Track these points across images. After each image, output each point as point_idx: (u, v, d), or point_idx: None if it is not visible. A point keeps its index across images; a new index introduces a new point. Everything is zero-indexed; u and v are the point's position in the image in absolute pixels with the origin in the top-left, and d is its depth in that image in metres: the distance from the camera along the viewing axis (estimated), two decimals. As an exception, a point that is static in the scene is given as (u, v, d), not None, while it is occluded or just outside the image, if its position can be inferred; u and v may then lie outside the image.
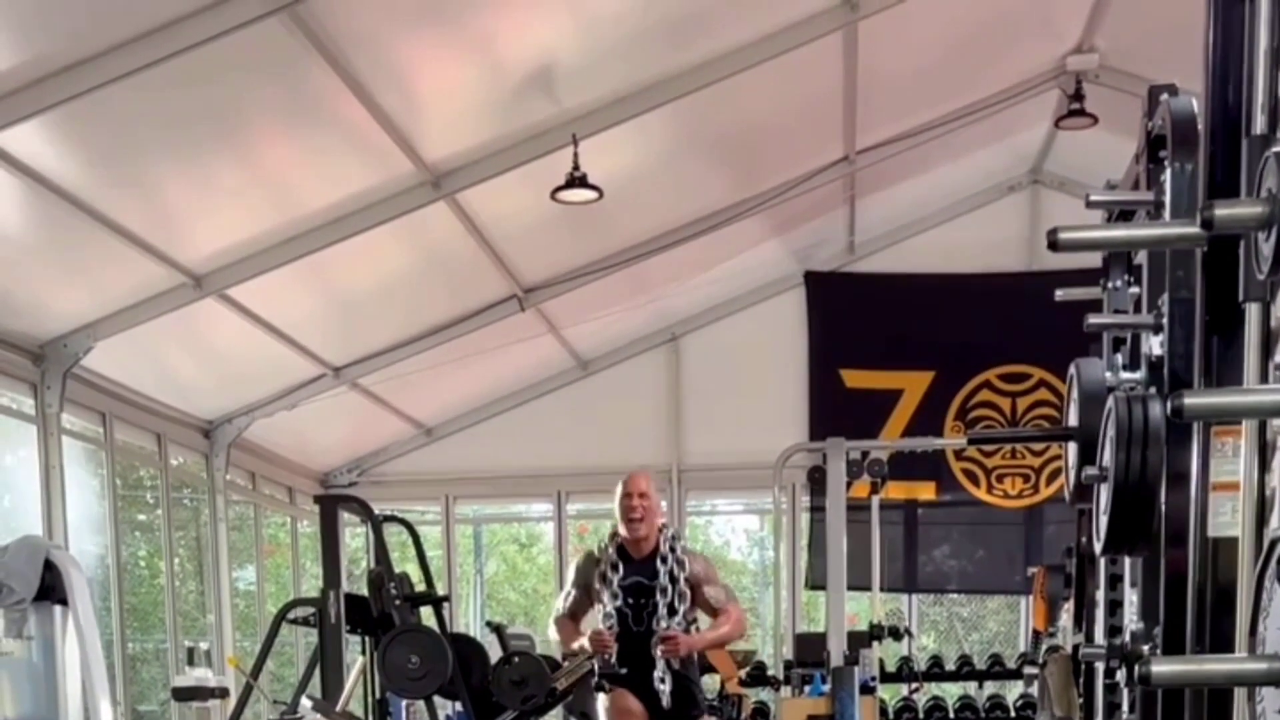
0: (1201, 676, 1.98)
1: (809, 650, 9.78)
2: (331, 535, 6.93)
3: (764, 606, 15.08)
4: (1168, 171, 2.85)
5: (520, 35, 7.59)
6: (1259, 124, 2.11)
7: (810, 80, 9.22)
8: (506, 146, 8.39)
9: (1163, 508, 2.74)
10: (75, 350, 8.56)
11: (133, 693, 10.68)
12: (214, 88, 6.86)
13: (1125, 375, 3.27)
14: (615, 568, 6.77)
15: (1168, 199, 2.85)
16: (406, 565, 7.54)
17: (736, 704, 9.79)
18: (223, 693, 8.58)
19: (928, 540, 13.09)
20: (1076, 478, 3.34)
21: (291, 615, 7.03)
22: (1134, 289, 3.44)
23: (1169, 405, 1.88)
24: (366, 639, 7.01)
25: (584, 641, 6.78)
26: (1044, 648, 7.23)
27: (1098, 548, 3.14)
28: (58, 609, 5.63)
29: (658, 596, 6.69)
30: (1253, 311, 2.09)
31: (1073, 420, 3.42)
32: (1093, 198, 3.20)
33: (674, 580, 6.71)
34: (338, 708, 6.70)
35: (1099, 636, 3.93)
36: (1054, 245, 2.26)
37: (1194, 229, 2.07)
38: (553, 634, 7.16)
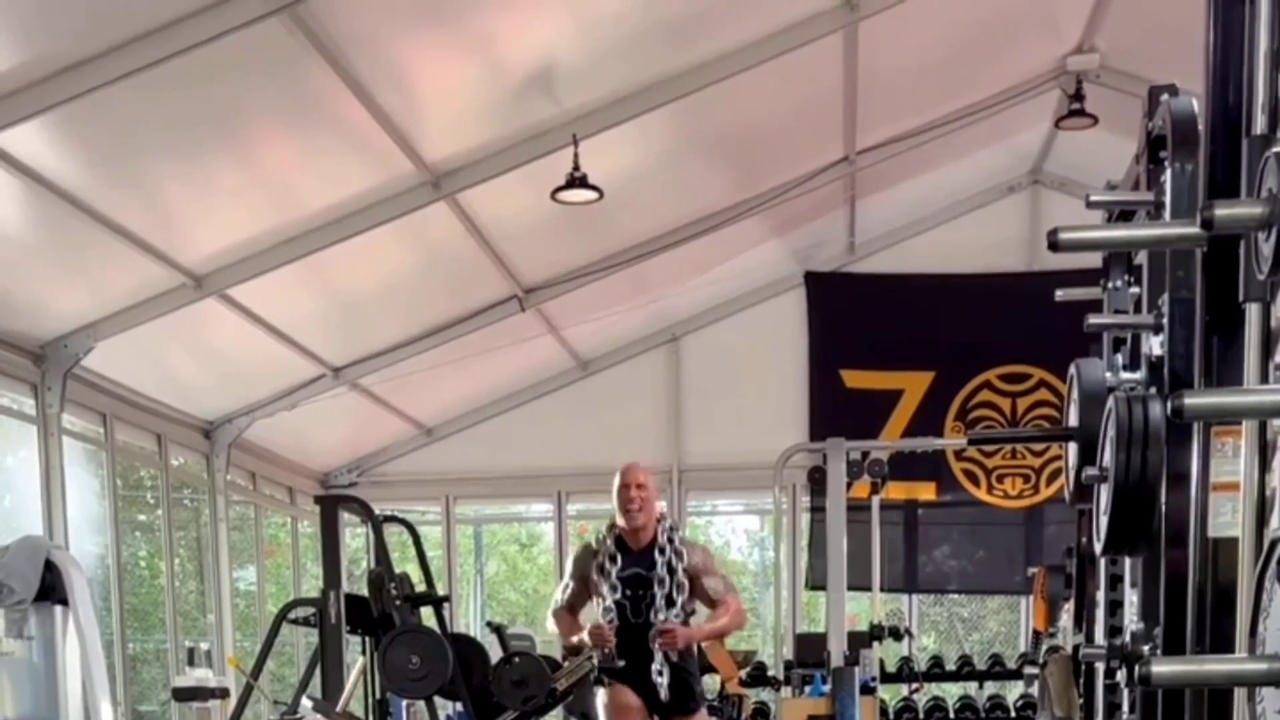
0: (1201, 677, 1.98)
1: (809, 650, 9.78)
2: (332, 535, 6.93)
3: (764, 607, 15.08)
4: (1168, 172, 2.85)
5: (520, 35, 7.59)
6: (1259, 124, 2.11)
7: (810, 80, 9.22)
8: (507, 147, 8.39)
9: (1163, 508, 2.74)
10: (76, 351, 8.56)
11: (133, 693, 10.68)
12: (214, 88, 6.87)
13: (1125, 375, 3.27)
14: (613, 559, 6.73)
15: (1168, 199, 2.85)
16: (407, 565, 7.54)
17: (737, 704, 9.78)
18: (223, 693, 8.58)
19: (928, 540, 13.09)
20: (1077, 478, 3.34)
21: (292, 615, 7.02)
22: (1134, 289, 3.44)
23: (1169, 405, 1.88)
24: (367, 639, 7.01)
25: (584, 635, 6.75)
26: (1044, 648, 7.23)
27: (1098, 548, 3.14)
28: (58, 609, 5.63)
29: (655, 588, 6.65)
30: (1253, 312, 2.09)
31: (1073, 420, 3.42)
32: (1093, 198, 3.20)
33: (672, 571, 6.66)
34: (338, 708, 6.70)
35: (1099, 637, 3.93)
36: (1054, 245, 2.26)
37: (1194, 229, 2.07)
38: (551, 626, 7.13)
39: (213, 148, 7.57)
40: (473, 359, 11.21)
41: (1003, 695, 11.15)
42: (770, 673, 10.62)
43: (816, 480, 10.12)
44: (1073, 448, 3.47)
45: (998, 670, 11.21)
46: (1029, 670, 9.74)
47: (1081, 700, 4.55)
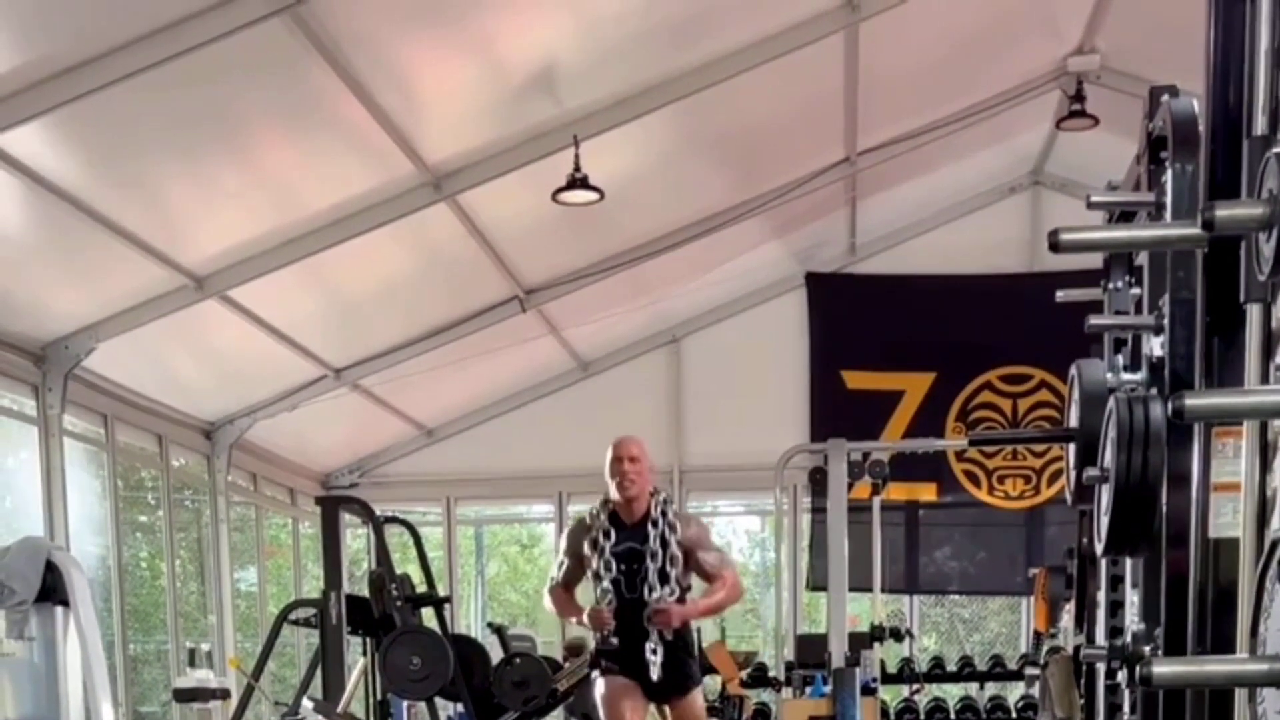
0: (1202, 677, 1.98)
1: (810, 651, 9.78)
2: (333, 536, 6.93)
3: (765, 608, 15.09)
4: (1169, 172, 2.85)
5: (521, 36, 7.60)
6: (1260, 125, 2.11)
7: (811, 81, 9.22)
8: (507, 148, 8.39)
9: (1164, 509, 2.74)
10: (77, 352, 8.56)
11: (134, 694, 10.68)
12: (215, 89, 6.87)
13: (1126, 376, 3.27)
14: (607, 534, 6.57)
15: (1169, 200, 2.85)
16: (408, 566, 7.56)
17: (738, 705, 9.78)
18: (224, 694, 8.59)
19: (929, 541, 13.10)
20: (1078, 479, 3.34)
21: (293, 616, 7.04)
22: (1135, 290, 3.44)
23: (1170, 406, 1.88)
24: (368, 640, 7.02)
25: (584, 618, 6.67)
26: (1045, 649, 7.24)
27: (1099, 549, 3.14)
28: (59, 610, 5.62)
29: (648, 561, 6.53)
30: (1253, 312, 2.09)
31: (1074, 421, 3.42)
32: (1094, 199, 3.20)
33: (665, 544, 6.51)
34: (339, 709, 6.70)
35: (1100, 637, 3.93)
36: (1055, 246, 2.26)
37: (1195, 230, 2.07)
38: (547, 603, 7.03)
39: (214, 149, 7.58)
40: (473, 360, 11.21)
41: (1004, 696, 11.15)
42: (771, 674, 10.62)
43: (817, 481, 10.12)
44: (1073, 448, 3.48)
45: (999, 671, 11.21)
46: (1030, 671, 9.76)
47: (1082, 701, 4.56)
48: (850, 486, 9.65)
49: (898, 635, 10.29)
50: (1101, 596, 3.97)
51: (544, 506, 14.07)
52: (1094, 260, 3.70)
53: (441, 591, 7.66)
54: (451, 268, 10.12)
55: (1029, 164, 12.39)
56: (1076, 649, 5.26)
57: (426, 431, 13.16)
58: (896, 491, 11.42)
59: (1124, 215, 3.32)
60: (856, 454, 9.76)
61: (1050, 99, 10.62)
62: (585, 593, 6.82)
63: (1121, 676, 3.40)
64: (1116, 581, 3.74)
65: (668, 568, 6.54)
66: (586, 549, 6.65)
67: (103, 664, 5.70)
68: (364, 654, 7.15)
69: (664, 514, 6.61)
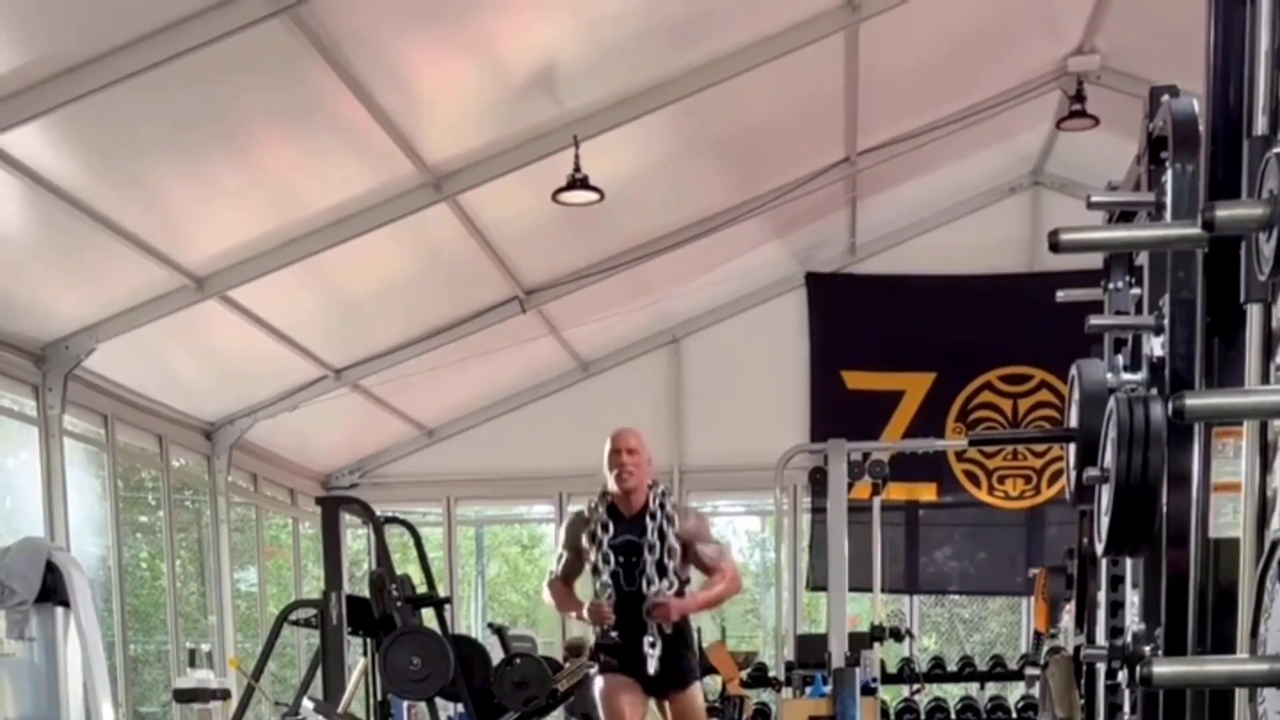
0: (1203, 678, 1.98)
1: (810, 651, 9.78)
2: (333, 537, 6.93)
3: (765, 608, 15.08)
4: (1169, 172, 2.86)
5: (521, 36, 7.60)
6: (1260, 125, 2.12)
7: (812, 82, 9.22)
8: (508, 148, 8.39)
9: (1164, 509, 2.74)
10: (77, 352, 8.56)
11: (134, 694, 10.68)
12: (216, 89, 6.87)
13: (1126, 376, 3.27)
14: (605, 527, 6.53)
15: (1169, 200, 2.85)
16: (408, 567, 7.55)
17: (738, 705, 9.78)
18: (224, 694, 8.59)
19: (929, 541, 13.10)
20: (1078, 479, 3.34)
21: (293, 617, 7.03)
22: (1135, 290, 3.44)
23: (1170, 406, 1.88)
24: (368, 640, 7.01)
25: (584, 613, 6.64)
26: (1045, 649, 7.24)
27: (1099, 549, 3.15)
28: (59, 610, 5.62)
29: (645, 554, 6.47)
30: (1254, 312, 2.09)
31: (1074, 421, 3.42)
32: (1094, 199, 3.20)
33: (663, 536, 6.47)
34: (339, 709, 6.70)
35: (1100, 637, 3.93)
36: (1055, 246, 2.26)
37: (1195, 230, 2.07)
38: (547, 597, 7.00)
39: (214, 149, 7.58)
40: (474, 360, 11.22)
41: (1004, 696, 11.15)
42: (771, 674, 10.62)
43: (817, 481, 10.12)
44: (1074, 449, 3.48)
45: (999, 671, 11.21)
46: (1030, 671, 9.76)
47: (1083, 701, 4.56)
48: (850, 486, 9.65)
49: (898, 635, 10.29)
50: (1102, 597, 3.97)
51: (544, 507, 14.07)
52: (1094, 260, 3.70)
53: (442, 592, 7.65)
54: (452, 268, 10.12)
55: (1029, 164, 12.39)
56: (1077, 649, 5.26)
57: (427, 432, 13.16)
58: (897, 491, 11.42)
59: (1124, 215, 3.32)
60: (856, 454, 9.76)
61: (1050, 99, 10.62)
62: (586, 587, 6.80)
63: (1122, 677, 3.41)
64: (1117, 582, 3.74)
65: (665, 560, 6.49)
66: (585, 542, 6.60)
67: (103, 664, 5.70)
68: (364, 654, 7.14)
69: (662, 506, 6.56)
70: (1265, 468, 2.06)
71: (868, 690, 9.36)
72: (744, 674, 10.19)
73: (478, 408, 12.97)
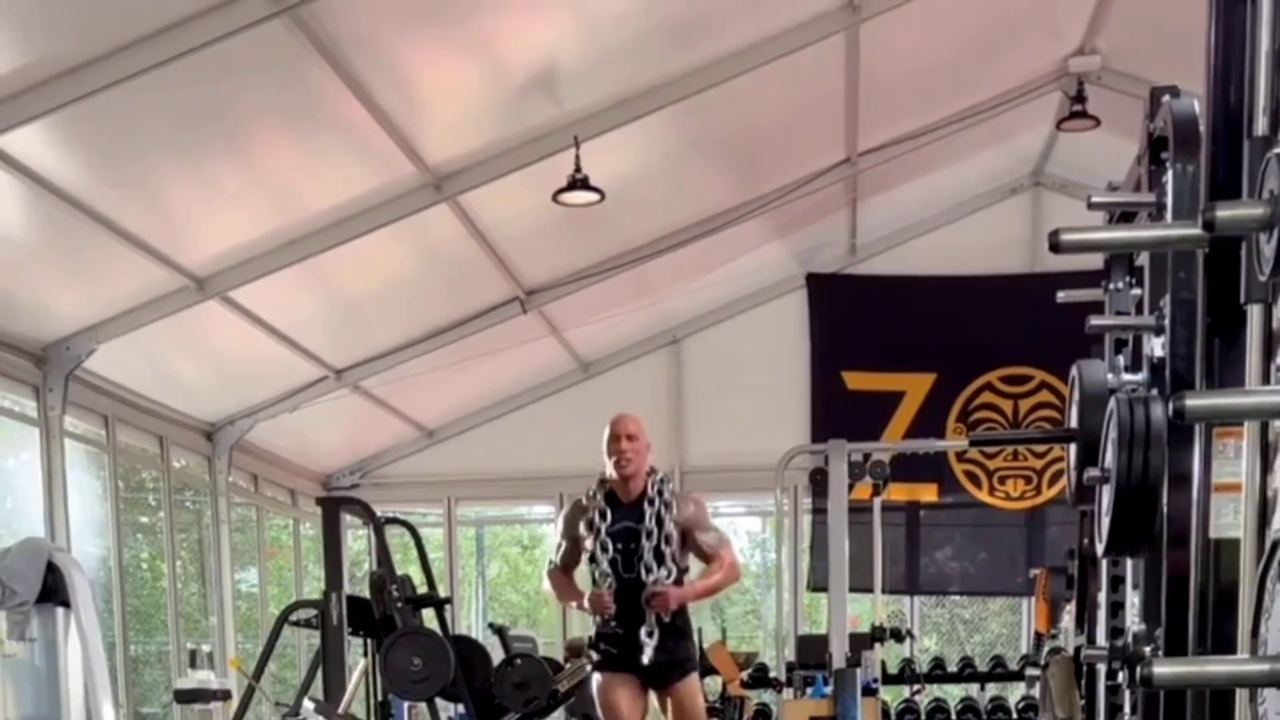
0: (1203, 678, 1.98)
1: (811, 652, 9.77)
2: (333, 537, 6.93)
3: (766, 609, 15.08)
4: (1169, 173, 2.85)
5: (522, 36, 7.60)
6: (1260, 125, 2.12)
7: (812, 82, 9.22)
8: (508, 149, 8.39)
9: (1164, 509, 2.74)
10: (78, 353, 8.56)
11: (135, 695, 10.68)
12: (217, 90, 6.87)
13: (1127, 377, 3.27)
14: (603, 515, 6.48)
15: (1169, 200, 2.85)
16: (409, 567, 7.55)
17: (739, 706, 9.77)
18: (225, 695, 8.58)
19: (930, 542, 13.10)
20: (1078, 479, 3.34)
21: (294, 617, 7.03)
22: (1136, 291, 3.44)
23: (1171, 407, 1.88)
24: (368, 641, 7.02)
25: (584, 602, 6.60)
26: (1046, 649, 7.23)
27: (1100, 549, 3.15)
28: (60, 611, 5.63)
29: (643, 540, 6.41)
30: (1254, 313, 2.09)
31: (1074, 422, 3.42)
32: (1094, 199, 3.20)
33: (660, 523, 6.41)
34: (340, 710, 6.70)
35: (1101, 638, 3.93)
36: (1055, 247, 2.26)
37: (1195, 230, 2.07)
38: (546, 587, 6.96)
39: (214, 149, 7.58)
40: (474, 361, 11.22)
41: (1005, 697, 11.15)
42: (772, 674, 10.61)
43: (818, 482, 10.10)
44: (1074, 449, 3.48)
45: (999, 672, 11.21)
46: (1031, 672, 9.75)
47: (1083, 702, 4.56)
48: (851, 487, 9.64)
49: (898, 636, 10.27)
50: (1102, 597, 3.97)
51: (545, 507, 14.07)
52: (1095, 261, 3.70)
53: (442, 592, 7.66)
54: (452, 268, 10.12)
55: (1030, 165, 12.40)
56: (1077, 650, 5.26)
57: (427, 432, 13.16)
58: (897, 492, 11.42)
59: (1125, 216, 3.32)
60: (857, 455, 9.74)
61: (1051, 100, 10.62)
62: (586, 578, 6.76)
63: (1122, 677, 3.41)
64: (1117, 582, 3.74)
65: (663, 546, 6.40)
66: (583, 530, 6.55)
67: (104, 665, 5.71)
68: (365, 655, 7.15)
69: (660, 492, 6.49)
70: (1266, 468, 2.06)
71: (868, 691, 9.36)
72: (745, 675, 10.18)
73: (478, 408, 12.97)
